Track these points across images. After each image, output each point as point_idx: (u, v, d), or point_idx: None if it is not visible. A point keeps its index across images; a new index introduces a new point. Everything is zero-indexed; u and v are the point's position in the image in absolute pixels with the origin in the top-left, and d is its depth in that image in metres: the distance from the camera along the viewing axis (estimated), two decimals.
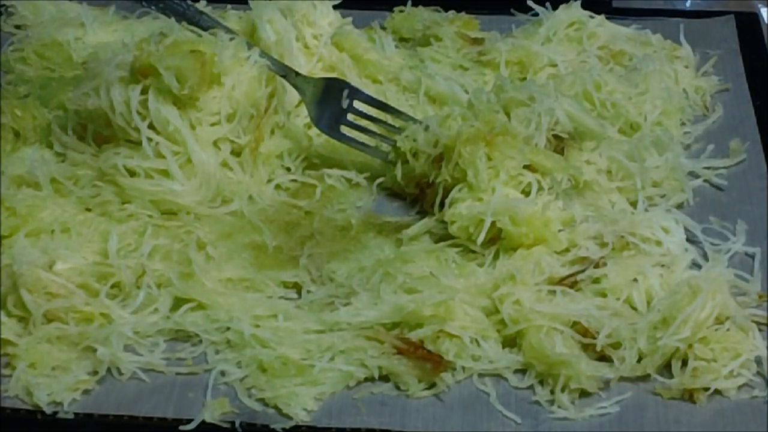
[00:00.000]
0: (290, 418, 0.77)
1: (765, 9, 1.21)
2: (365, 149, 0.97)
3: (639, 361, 0.80)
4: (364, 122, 0.97)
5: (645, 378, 0.80)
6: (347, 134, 0.97)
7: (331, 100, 0.97)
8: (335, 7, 1.05)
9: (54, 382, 0.79)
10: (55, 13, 1.15)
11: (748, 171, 0.98)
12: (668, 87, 1.05)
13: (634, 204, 0.93)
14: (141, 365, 0.81)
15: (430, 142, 0.93)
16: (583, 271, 0.85)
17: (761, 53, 1.13)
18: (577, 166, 0.92)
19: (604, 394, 0.79)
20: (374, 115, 0.97)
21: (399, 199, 0.96)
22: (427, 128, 0.94)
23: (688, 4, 1.27)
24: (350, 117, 0.97)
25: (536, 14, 1.14)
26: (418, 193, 0.94)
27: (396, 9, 1.16)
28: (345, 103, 0.97)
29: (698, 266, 0.88)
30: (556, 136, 0.93)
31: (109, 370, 0.80)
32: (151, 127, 0.91)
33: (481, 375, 0.80)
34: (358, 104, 0.97)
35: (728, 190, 0.96)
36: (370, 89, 1.02)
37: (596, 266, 0.85)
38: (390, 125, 0.97)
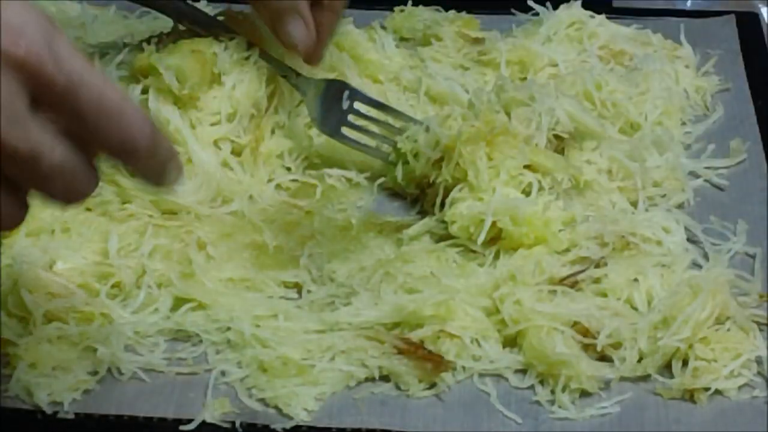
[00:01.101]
0: (291, 418, 0.77)
1: (765, 9, 1.21)
2: (366, 150, 0.97)
3: (639, 361, 0.80)
4: (364, 123, 0.97)
5: (645, 378, 0.80)
6: (348, 135, 0.97)
7: (331, 101, 0.97)
8: None
9: (54, 382, 0.79)
10: (56, 13, 1.15)
11: (749, 171, 0.98)
12: (669, 87, 1.04)
13: (634, 204, 0.93)
14: (141, 365, 0.81)
15: (431, 143, 0.93)
16: (583, 271, 0.85)
17: (761, 53, 1.12)
18: (577, 165, 0.92)
19: (605, 394, 0.79)
20: (375, 116, 0.97)
21: (399, 199, 0.96)
22: (427, 129, 0.94)
23: (688, 4, 1.27)
24: (351, 118, 0.97)
25: (537, 14, 1.13)
26: (418, 193, 0.94)
27: (396, 9, 1.16)
28: (345, 105, 0.97)
29: (699, 266, 0.87)
30: (556, 136, 0.93)
31: (109, 370, 0.80)
32: None
33: (481, 375, 0.80)
34: (358, 105, 0.97)
35: (729, 190, 0.96)
36: (370, 89, 1.02)
37: (597, 266, 0.85)
38: (391, 126, 0.97)
